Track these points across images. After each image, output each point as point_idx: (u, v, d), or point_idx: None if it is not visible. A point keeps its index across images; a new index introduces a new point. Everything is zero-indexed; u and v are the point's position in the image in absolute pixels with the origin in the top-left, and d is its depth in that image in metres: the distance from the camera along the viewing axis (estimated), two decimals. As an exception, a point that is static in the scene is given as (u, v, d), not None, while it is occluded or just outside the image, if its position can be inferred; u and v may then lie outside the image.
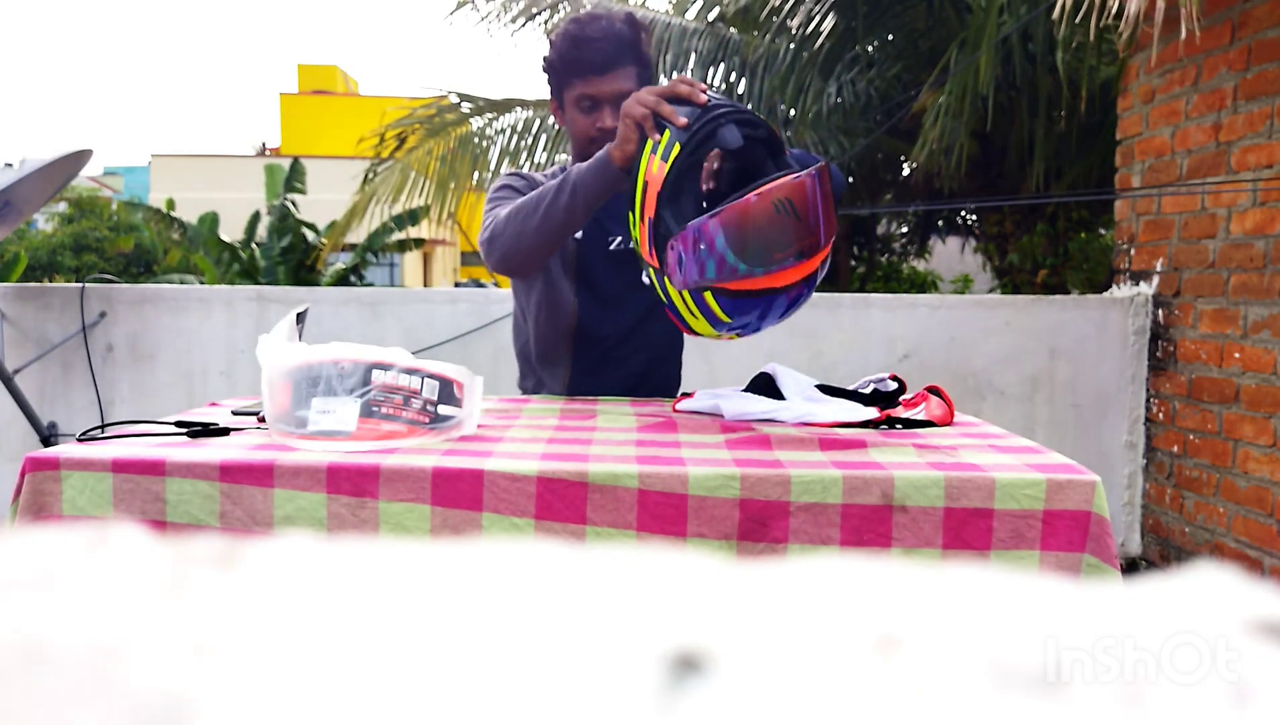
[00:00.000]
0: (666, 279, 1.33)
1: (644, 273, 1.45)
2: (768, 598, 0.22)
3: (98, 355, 3.18)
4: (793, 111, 5.41)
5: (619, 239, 1.74)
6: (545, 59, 1.74)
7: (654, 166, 1.34)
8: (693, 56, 5.37)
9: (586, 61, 1.67)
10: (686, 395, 1.58)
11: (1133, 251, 3.36)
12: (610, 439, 1.27)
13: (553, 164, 5.43)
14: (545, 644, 0.20)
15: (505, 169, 5.56)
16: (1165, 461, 3.22)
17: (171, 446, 1.17)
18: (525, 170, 1.84)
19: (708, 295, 1.29)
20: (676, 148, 1.31)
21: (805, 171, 1.24)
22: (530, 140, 5.61)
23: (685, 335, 1.86)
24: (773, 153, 1.36)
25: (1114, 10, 2.68)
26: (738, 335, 1.38)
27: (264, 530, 1.09)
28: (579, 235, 1.72)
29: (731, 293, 1.27)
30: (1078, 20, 2.91)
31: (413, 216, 9.08)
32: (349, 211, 5.91)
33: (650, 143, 1.35)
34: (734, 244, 1.22)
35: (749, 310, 1.30)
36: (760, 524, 1.07)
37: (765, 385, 1.50)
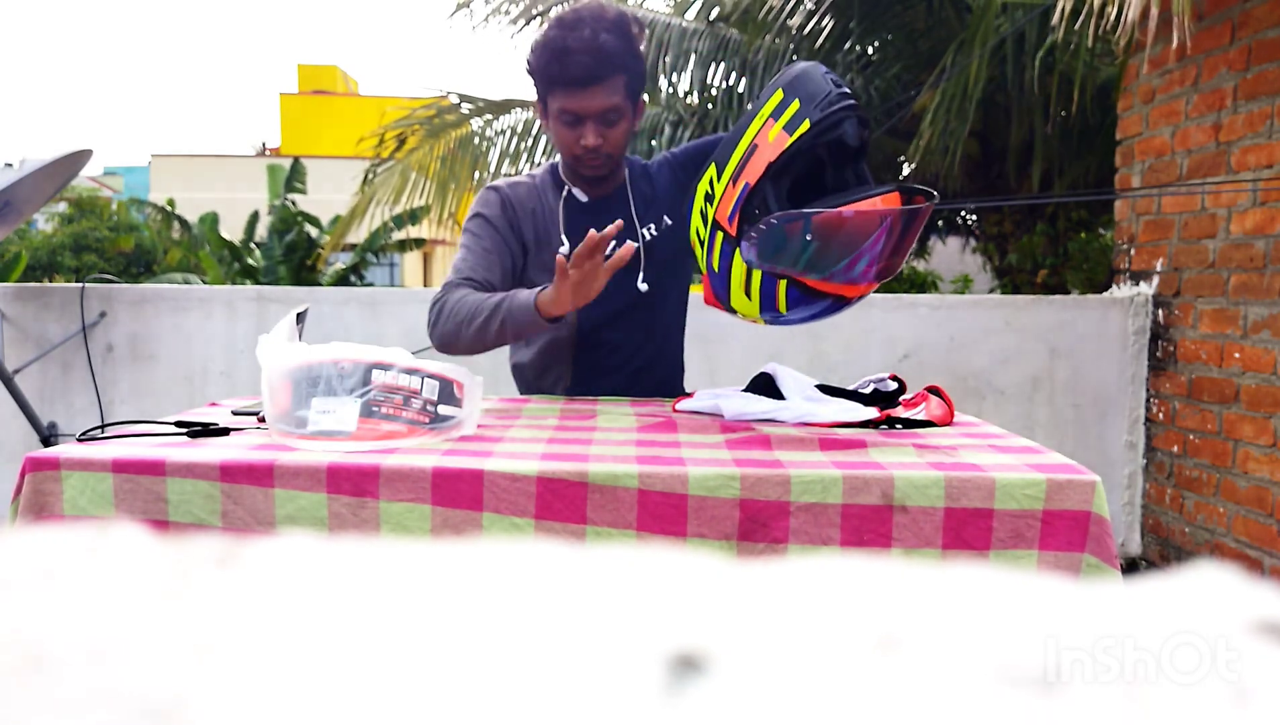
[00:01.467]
0: (737, 249, 1.30)
1: (697, 231, 1.41)
2: (767, 598, 0.22)
3: (98, 355, 3.18)
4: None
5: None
6: (527, 63, 1.68)
7: (771, 133, 1.25)
8: (693, 57, 5.37)
9: (568, 76, 1.60)
10: (686, 395, 1.58)
11: (1133, 251, 3.36)
12: (610, 439, 1.27)
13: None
14: (546, 644, 0.20)
15: (505, 170, 5.55)
16: (1165, 461, 3.22)
17: (171, 446, 1.17)
18: (515, 174, 1.83)
19: (781, 283, 1.27)
20: (805, 125, 1.23)
21: (926, 203, 1.22)
22: (530, 141, 5.61)
23: (684, 337, 1.86)
24: (855, 156, 1.30)
25: (1112, 18, 2.68)
26: (767, 322, 1.37)
27: (266, 530, 1.09)
28: (567, 250, 1.70)
29: (805, 288, 1.26)
30: (1077, 27, 2.91)
31: (413, 216, 9.09)
32: (349, 213, 5.91)
33: (773, 103, 1.26)
34: (834, 245, 1.19)
35: (808, 307, 1.29)
36: (760, 524, 1.07)
37: (765, 385, 1.50)
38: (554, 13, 1.66)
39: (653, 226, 1.76)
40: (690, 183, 1.68)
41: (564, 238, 1.72)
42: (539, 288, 1.52)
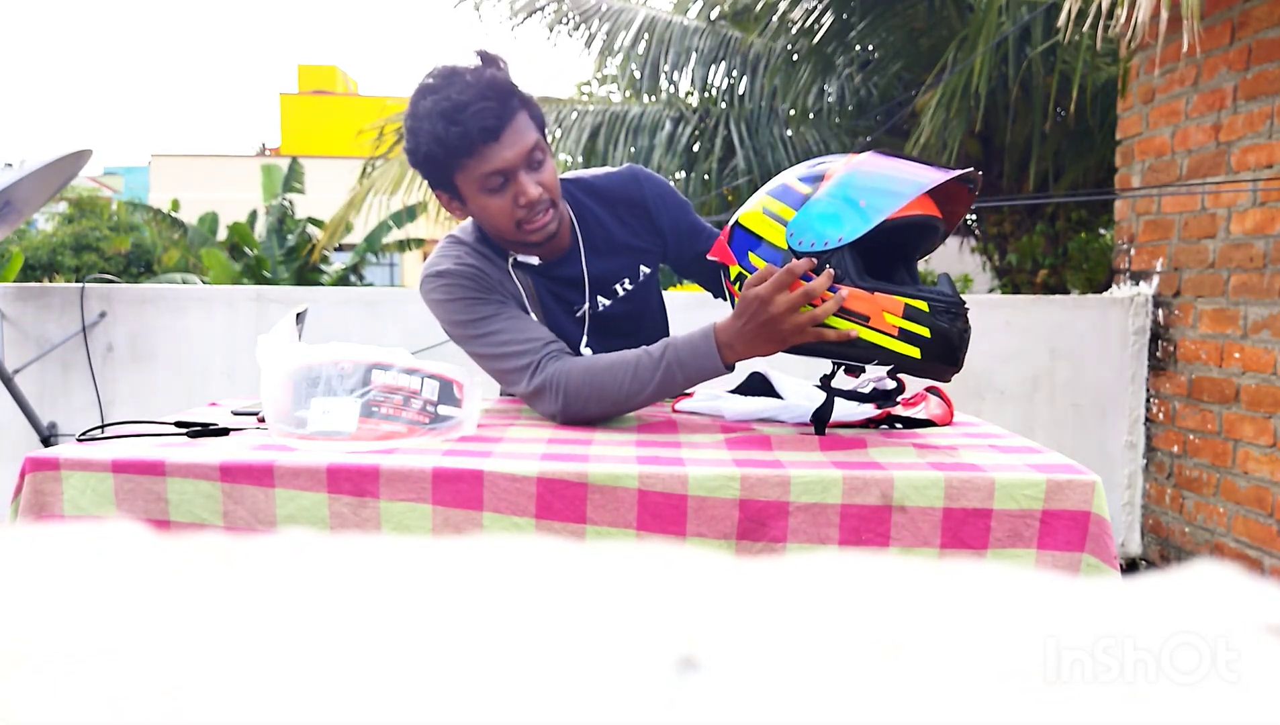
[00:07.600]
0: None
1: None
2: (766, 596, 0.22)
3: (98, 355, 3.18)
4: (792, 110, 5.41)
5: (624, 287, 1.60)
6: (416, 151, 1.39)
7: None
8: (694, 55, 5.37)
9: (475, 131, 1.34)
10: (686, 395, 1.58)
11: (1133, 251, 3.36)
12: (610, 439, 1.27)
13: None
14: (546, 642, 0.20)
15: None
16: (1165, 461, 3.22)
17: (171, 447, 1.17)
18: (466, 259, 1.47)
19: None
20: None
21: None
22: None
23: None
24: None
25: (1122, 19, 2.68)
26: None
27: (267, 529, 1.09)
28: (589, 307, 1.55)
29: None
30: (1085, 29, 2.91)
31: (410, 213, 9.08)
32: (346, 203, 5.91)
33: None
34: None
35: None
36: (759, 524, 1.07)
37: (760, 385, 1.50)
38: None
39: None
40: (654, 225, 1.58)
41: (538, 313, 1.51)
42: (705, 334, 1.32)
